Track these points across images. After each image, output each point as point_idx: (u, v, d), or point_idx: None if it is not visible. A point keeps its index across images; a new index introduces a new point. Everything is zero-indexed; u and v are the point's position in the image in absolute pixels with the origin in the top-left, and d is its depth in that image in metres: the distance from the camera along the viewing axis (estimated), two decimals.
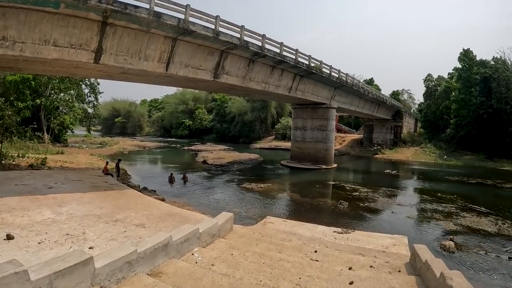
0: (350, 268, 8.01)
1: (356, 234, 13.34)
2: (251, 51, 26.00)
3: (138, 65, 20.52)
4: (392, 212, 21.81)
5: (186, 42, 22.28)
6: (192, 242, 8.52)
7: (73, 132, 62.22)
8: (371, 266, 8.42)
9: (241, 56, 26.59)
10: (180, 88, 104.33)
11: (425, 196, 26.99)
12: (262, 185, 28.32)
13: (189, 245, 8.41)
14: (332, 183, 32.58)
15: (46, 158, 28.88)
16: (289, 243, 10.26)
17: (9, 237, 9.49)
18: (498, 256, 14.55)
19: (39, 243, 9.36)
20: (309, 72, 34.47)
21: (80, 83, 52.08)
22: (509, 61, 58.78)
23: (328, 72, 37.70)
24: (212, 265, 7.66)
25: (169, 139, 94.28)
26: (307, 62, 33.50)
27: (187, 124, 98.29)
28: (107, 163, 26.11)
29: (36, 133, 40.17)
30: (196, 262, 7.79)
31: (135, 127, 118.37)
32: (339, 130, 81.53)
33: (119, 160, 27.66)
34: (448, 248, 15.31)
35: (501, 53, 75.56)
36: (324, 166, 42.22)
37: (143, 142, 76.74)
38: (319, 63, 35.79)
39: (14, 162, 26.37)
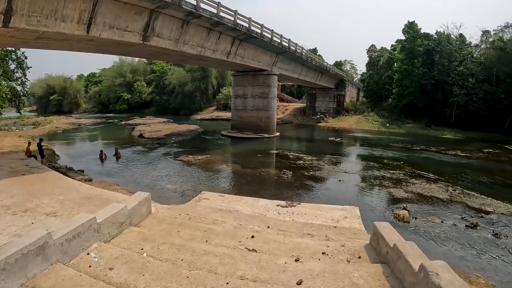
0: (297, 260, 6.29)
1: (302, 207, 11.99)
2: (184, 11, 23.72)
3: (54, 27, 18.07)
4: (340, 181, 20.97)
5: (110, 0, 19.95)
6: (87, 237, 6.62)
7: (1, 113, 57.90)
8: (324, 253, 6.86)
9: (174, 16, 24.29)
10: (117, 60, 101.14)
11: (372, 163, 26.45)
12: (200, 157, 27.02)
13: (83, 241, 6.51)
14: (275, 152, 31.59)
15: None
16: (220, 228, 8.54)
17: None
18: (455, 225, 14.13)
19: None
20: (249, 36, 32.72)
21: (6, 58, 47.43)
22: (452, 36, 62.40)
23: (269, 36, 36.12)
24: (110, 268, 5.89)
25: (107, 114, 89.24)
26: (247, 25, 31.72)
27: (126, 98, 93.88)
28: (29, 144, 23.67)
29: None
30: (90, 266, 6.02)
31: (71, 104, 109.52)
32: (281, 100, 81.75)
33: (41, 139, 24.87)
34: (403, 217, 14.56)
35: (445, 28, 79.60)
36: (266, 135, 41.57)
37: (79, 119, 72.18)
38: (260, 27, 34.02)
39: None
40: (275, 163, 26.69)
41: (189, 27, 26.09)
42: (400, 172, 23.28)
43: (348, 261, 6.51)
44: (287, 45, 40.53)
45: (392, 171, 23.39)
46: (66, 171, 20.99)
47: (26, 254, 5.28)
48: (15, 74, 50.87)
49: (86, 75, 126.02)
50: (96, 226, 6.88)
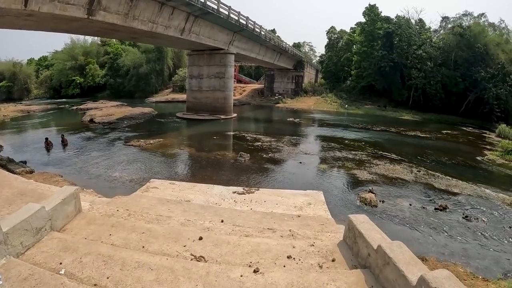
0: (256, 271, 4.94)
1: (262, 194, 10.88)
2: None
3: None
4: (300, 163, 20.11)
5: None
6: None
7: None
8: (289, 257, 5.57)
9: None
10: (69, 42, 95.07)
11: (333, 144, 25.87)
12: (152, 141, 25.66)
13: None
14: (232, 133, 30.67)
15: None
16: (162, 227, 7.00)
17: None
18: (424, 208, 13.65)
19: None
20: (205, 12, 31.18)
21: None
22: (412, 20, 64.24)
23: (226, 13, 34.64)
24: None
25: (59, 100, 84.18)
26: (202, 0, 30.14)
27: (78, 81, 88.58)
28: None
29: None
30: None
31: (22, 90, 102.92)
32: (239, 81, 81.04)
33: None
34: (370, 201, 13.79)
35: (405, 12, 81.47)
36: (223, 116, 40.66)
37: (29, 106, 68.69)
38: (216, 2, 32.48)
39: None
40: (231, 146, 25.69)
41: (140, 1, 24.47)
42: (362, 153, 22.74)
43: (321, 267, 5.29)
44: (245, 23, 39.23)
45: (354, 152, 22.81)
46: (6, 163, 19.34)
47: None
48: None
49: (37, 59, 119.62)
50: (2, 237, 5.33)
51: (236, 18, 36.95)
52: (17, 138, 32.19)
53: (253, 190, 11.26)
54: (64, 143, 26.02)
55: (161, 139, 26.69)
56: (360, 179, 17.06)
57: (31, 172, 17.72)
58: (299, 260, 5.46)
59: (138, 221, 7.50)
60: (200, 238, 6.21)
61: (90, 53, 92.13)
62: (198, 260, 5.47)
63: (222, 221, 7.64)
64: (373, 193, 14.41)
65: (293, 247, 5.85)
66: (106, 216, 7.99)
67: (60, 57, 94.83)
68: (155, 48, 75.20)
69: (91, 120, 39.24)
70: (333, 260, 5.42)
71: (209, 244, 6.00)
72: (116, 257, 5.43)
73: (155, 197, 10.07)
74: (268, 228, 7.03)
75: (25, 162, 20.43)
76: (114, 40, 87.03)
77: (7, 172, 14.65)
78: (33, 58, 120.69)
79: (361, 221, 5.81)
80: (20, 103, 75.98)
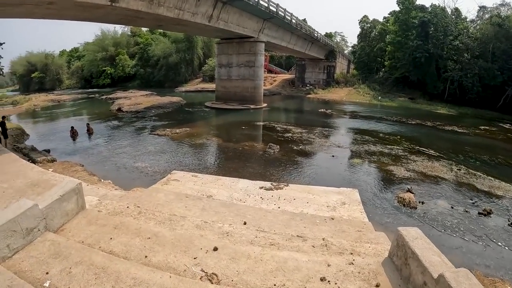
0: None
1: (291, 190, 9.93)
2: None
3: None
4: (333, 156, 18.97)
5: None
6: None
7: None
8: (323, 280, 4.46)
9: None
10: (99, 33, 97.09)
11: (367, 137, 24.49)
12: (178, 131, 25.08)
13: None
14: (261, 124, 29.69)
15: None
16: (171, 233, 5.96)
17: None
18: (466, 211, 12.41)
19: None
20: None
21: None
22: (448, 9, 60.75)
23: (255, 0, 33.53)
24: None
25: (90, 90, 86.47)
26: None
27: (109, 72, 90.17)
28: None
29: None
30: None
31: (54, 81, 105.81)
32: (270, 71, 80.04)
33: (3, 117, 22.94)
34: (408, 202, 12.60)
35: (441, 1, 79.06)
36: (252, 106, 39.60)
37: (60, 96, 70.42)
38: None
39: None
40: (261, 136, 24.77)
41: None
42: (398, 147, 21.40)
43: None
44: (275, 10, 37.86)
45: (389, 146, 21.48)
46: (29, 152, 19.37)
47: None
48: None
49: (68, 51, 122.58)
50: None
51: (266, 4, 35.63)
52: (45, 127, 32.41)
53: (282, 185, 10.36)
54: (89, 132, 26.09)
55: (188, 129, 26.13)
56: (396, 176, 15.88)
57: (53, 161, 17.66)
58: (335, 284, 4.36)
59: (147, 222, 6.64)
60: (215, 249, 5.17)
61: (120, 44, 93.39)
62: (209, 279, 4.45)
63: (244, 223, 6.69)
64: (412, 193, 13.27)
65: (328, 265, 4.77)
66: (112, 214, 7.18)
67: (91, 48, 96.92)
68: (184, 38, 74.90)
69: (119, 109, 39.44)
70: (377, 286, 4.35)
71: (225, 257, 4.96)
72: (111, 270, 4.56)
73: (174, 192, 9.28)
74: (297, 236, 5.97)
75: (48, 151, 20.38)
76: (144, 30, 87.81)
77: (25, 162, 14.54)
78: (65, 50, 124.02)
79: (414, 236, 4.60)
80: (52, 93, 77.94)
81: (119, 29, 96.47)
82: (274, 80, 73.82)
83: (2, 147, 17.95)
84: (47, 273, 4.59)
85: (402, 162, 18.10)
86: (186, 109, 41.05)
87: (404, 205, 12.39)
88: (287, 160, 17.77)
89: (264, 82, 47.06)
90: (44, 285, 4.37)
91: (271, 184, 10.49)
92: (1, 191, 9.95)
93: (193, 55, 79.75)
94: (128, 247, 5.39)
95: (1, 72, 56.75)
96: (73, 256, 4.95)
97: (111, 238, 5.69)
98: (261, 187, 10.07)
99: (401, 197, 12.84)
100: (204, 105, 42.76)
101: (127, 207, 7.55)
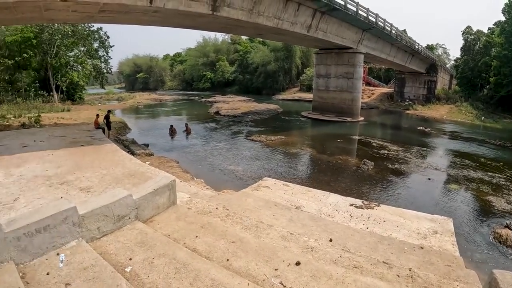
0: None
1: (382, 210, 9.43)
2: None
3: None
4: (429, 179, 17.68)
5: None
6: (60, 232, 5.00)
7: (85, 89, 60.88)
8: None
9: None
10: (201, 40, 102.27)
11: (467, 161, 22.41)
12: (273, 138, 25.13)
13: (54, 237, 4.92)
14: (357, 138, 28.70)
15: (39, 116, 27.58)
16: (255, 240, 6.01)
17: None
18: None
19: None
20: (332, 8, 29.71)
21: (88, 37, 50.50)
22: None
23: (354, 9, 32.78)
24: (66, 285, 4.20)
25: (190, 92, 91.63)
26: None
27: (209, 76, 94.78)
28: (97, 116, 23.42)
29: (42, 92, 41.53)
30: (47, 274, 4.43)
31: (157, 82, 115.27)
32: (368, 83, 77.68)
33: (109, 111, 24.84)
34: (505, 239, 11.25)
35: None
36: (349, 119, 38.39)
37: (162, 96, 75.28)
38: None
39: (6, 123, 25.68)
40: (355, 151, 24.00)
41: None
42: (500, 175, 19.05)
43: None
44: (374, 20, 36.83)
45: (490, 174, 19.31)
46: (129, 144, 21.24)
47: None
48: (98, 52, 53.59)
49: (172, 55, 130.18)
50: (77, 219, 5.19)
51: (365, 15, 34.85)
52: (146, 123, 34.89)
53: (373, 205, 9.90)
54: (187, 132, 27.36)
55: (283, 137, 26.15)
56: (495, 208, 14.32)
57: (150, 155, 19.15)
58: None
59: (233, 226, 6.75)
60: (298, 263, 5.07)
61: (220, 51, 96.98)
62: None
63: (330, 240, 6.49)
64: (511, 230, 11.82)
65: None
66: (200, 213, 7.45)
67: (192, 53, 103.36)
68: (283, 47, 75.19)
69: (217, 112, 40.77)
70: None
71: (307, 273, 4.83)
72: (191, 267, 4.71)
73: (263, 198, 9.30)
74: (383, 262, 5.72)
75: (147, 145, 21.94)
76: (244, 38, 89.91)
77: (125, 153, 15.74)
78: (168, 54, 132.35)
79: (510, 283, 4.08)
80: (154, 93, 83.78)
81: (220, 36, 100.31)
82: (372, 93, 71.69)
83: (105, 137, 19.49)
84: (130, 259, 4.91)
85: (503, 192, 16.26)
86: (282, 117, 41.16)
87: (500, 242, 11.16)
88: (380, 178, 17.11)
89: (361, 95, 45.84)
90: (126, 269, 4.66)
91: (362, 202, 10.06)
92: (100, 176, 10.94)
93: (291, 64, 79.94)
94: (211, 247, 5.53)
95: (110, 71, 61.68)
96: (157, 248, 5.22)
97: (196, 236, 5.90)
98: (351, 204, 9.71)
99: (497, 233, 11.60)
100: (301, 114, 42.47)
101: (216, 208, 7.77)
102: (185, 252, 5.18)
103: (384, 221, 8.50)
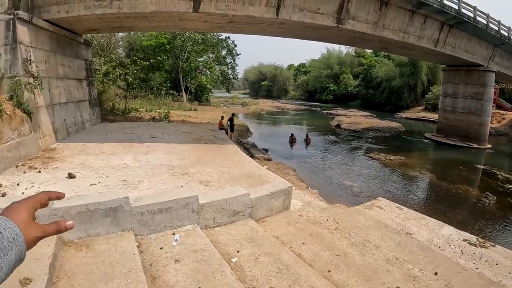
0: None
1: (496, 252, 8.63)
2: None
3: (243, 11, 18.68)
4: None
5: None
6: (180, 216, 5.92)
7: (212, 92, 66.60)
8: None
9: None
10: (325, 52, 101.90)
11: None
12: (392, 157, 24.34)
13: (173, 219, 5.87)
14: (482, 167, 26.25)
15: (168, 112, 30.93)
16: (360, 257, 6.02)
17: (70, 176, 10.25)
18: None
19: (91, 184, 9.71)
20: (460, 21, 28.00)
21: (217, 45, 54.76)
22: None
23: (484, 22, 30.48)
24: (176, 261, 4.89)
25: (312, 103, 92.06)
26: (456, 7, 27.11)
27: (332, 88, 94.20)
28: (222, 118, 25.19)
29: (172, 92, 45.70)
30: (161, 248, 5.26)
31: (280, 90, 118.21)
32: (499, 107, 70.74)
33: (233, 114, 26.53)
34: None
35: None
36: (475, 145, 35.18)
37: (284, 104, 77.11)
38: (472, 10, 28.84)
39: (139, 115, 28.97)
40: (478, 182, 22.18)
41: (389, 9, 23.61)
42: None
43: None
44: (506, 34, 33.68)
45: None
46: (250, 147, 22.40)
47: (92, 211, 5.22)
48: (226, 59, 56.77)
49: (296, 65, 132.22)
50: (196, 207, 6.03)
51: (496, 28, 32.20)
52: (266, 129, 36.33)
53: (488, 244, 9.16)
54: (307, 142, 27.91)
55: (403, 157, 25.20)
56: None
57: (269, 160, 19.99)
58: None
59: (341, 240, 6.85)
60: None
61: (344, 63, 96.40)
62: None
63: (435, 273, 6.28)
64: None
65: None
66: (311, 222, 7.67)
67: (316, 65, 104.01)
68: (409, 61, 72.24)
69: (338, 126, 41.08)
70: None
71: None
72: (293, 271, 4.98)
73: (374, 218, 9.20)
74: None
75: (266, 150, 22.91)
76: (368, 51, 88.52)
77: (245, 155, 16.53)
78: (292, 64, 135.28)
79: None
80: (277, 101, 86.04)
81: (344, 49, 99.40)
82: (503, 118, 65.02)
83: (228, 138, 20.67)
84: (237, 251, 5.41)
85: None
86: (404, 136, 39.70)
87: None
88: (502, 216, 15.56)
89: (491, 119, 41.62)
90: (232, 260, 5.14)
91: (477, 239, 9.36)
92: (219, 173, 11.68)
93: (416, 81, 76.03)
94: (316, 256, 5.74)
95: (236, 77, 64.85)
96: (264, 246, 5.62)
97: (303, 243, 6.15)
98: (465, 240, 9.08)
99: None
100: (423, 135, 40.30)
101: (327, 220, 7.93)
102: (290, 255, 5.49)
103: (497, 264, 7.94)
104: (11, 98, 13.31)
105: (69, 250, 4.98)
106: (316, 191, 14.65)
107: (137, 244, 5.21)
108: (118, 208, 5.38)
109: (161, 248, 5.20)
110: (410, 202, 15.64)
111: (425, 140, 37.93)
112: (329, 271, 5.31)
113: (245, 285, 4.47)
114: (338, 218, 8.27)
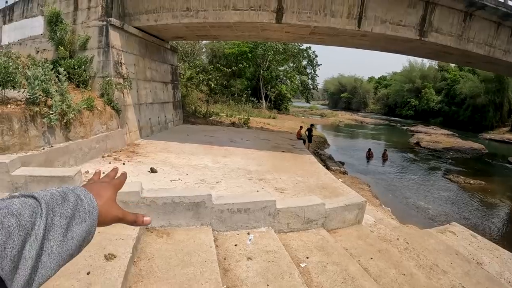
0: None
1: None
2: (463, 0, 20.29)
3: (324, 22, 18.88)
4: None
5: None
6: (256, 217, 6.45)
7: (291, 101, 67.31)
8: None
9: (452, 8, 21.04)
10: (407, 64, 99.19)
11: None
12: (472, 181, 22.99)
13: (250, 220, 6.43)
14: None
15: (248, 118, 31.56)
16: (425, 280, 5.94)
17: (152, 171, 10.85)
18: None
19: (171, 180, 10.09)
20: None
21: (298, 55, 55.75)
22: None
23: None
24: (249, 258, 5.36)
25: (392, 118, 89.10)
26: None
27: (413, 104, 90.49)
28: (300, 127, 25.19)
29: (252, 99, 47.19)
30: (235, 245, 5.80)
31: (359, 103, 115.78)
32: None
33: (312, 125, 26.34)
34: None
35: None
36: None
37: (363, 118, 75.61)
38: None
39: (219, 120, 29.86)
40: None
41: (473, 21, 22.21)
42: None
43: None
44: None
45: None
46: (326, 159, 22.52)
47: (177, 204, 5.91)
48: (306, 69, 57.14)
49: (376, 78, 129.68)
50: (273, 211, 6.54)
51: None
52: (344, 142, 36.15)
53: None
54: (384, 158, 27.41)
55: (483, 182, 23.56)
56: None
57: (344, 173, 19.98)
58: None
59: (408, 260, 6.85)
60: None
61: (427, 77, 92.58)
62: None
63: None
64: None
65: None
66: (381, 239, 7.73)
67: (398, 78, 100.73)
68: (494, 77, 67.70)
69: (417, 143, 39.75)
70: None
71: None
72: (357, 283, 5.18)
73: (446, 243, 8.95)
74: None
75: (343, 163, 22.72)
76: (452, 65, 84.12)
77: (321, 166, 16.23)
78: (373, 77, 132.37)
79: None
80: (356, 114, 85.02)
81: (427, 61, 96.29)
82: None
83: (305, 148, 20.47)
84: (307, 257, 5.70)
85: None
86: (486, 159, 37.05)
87: None
88: None
89: None
90: (301, 264, 5.44)
91: None
92: (294, 182, 11.70)
93: (503, 99, 71.23)
94: (382, 272, 5.85)
95: (316, 88, 65.07)
96: (333, 256, 5.84)
97: (371, 258, 6.27)
98: None
99: None
100: (507, 159, 37.45)
101: (397, 238, 7.94)
102: (356, 268, 5.65)
103: None
104: (102, 95, 14.55)
105: (151, 235, 5.65)
106: (389, 209, 14.51)
107: (213, 238, 5.69)
108: (201, 203, 6.01)
109: (235, 245, 5.65)
110: (486, 230, 14.94)
111: (508, 165, 35.34)
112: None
113: None
114: (409, 239, 8.24)
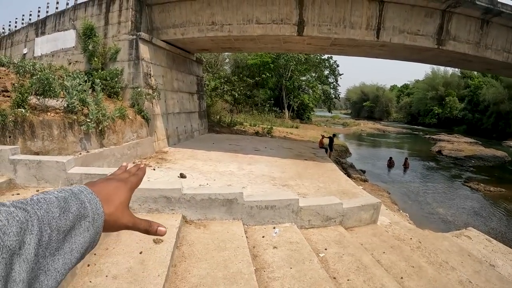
0: None
1: None
2: (480, 8, 20.46)
3: (344, 34, 19.46)
4: None
5: (396, 4, 19.76)
6: (281, 214, 7.24)
7: (313, 111, 67.49)
8: None
9: (469, 15, 21.39)
10: (430, 72, 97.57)
11: None
12: (492, 188, 23.00)
13: (275, 216, 7.24)
14: None
15: (271, 128, 32.41)
16: (432, 272, 6.40)
17: (182, 176, 11.52)
18: None
19: (200, 185, 10.42)
20: None
21: (320, 65, 56.18)
22: None
23: None
24: (274, 247, 6.16)
25: (414, 126, 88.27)
26: None
27: (436, 112, 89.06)
28: (322, 137, 25.28)
29: (275, 109, 48.79)
30: (263, 237, 6.68)
31: (382, 112, 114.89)
32: None
33: (334, 135, 26.78)
34: None
35: None
36: None
37: (386, 126, 74.92)
38: None
39: (243, 129, 30.53)
40: None
41: (490, 28, 22.42)
42: None
43: None
44: None
45: None
46: (347, 167, 22.84)
47: (213, 200, 6.77)
48: (328, 79, 57.55)
49: (399, 86, 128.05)
50: (296, 208, 7.25)
51: None
52: (365, 151, 36.53)
53: None
54: (405, 166, 27.43)
55: (503, 189, 23.41)
56: None
57: (365, 181, 20.14)
58: None
59: (419, 257, 7.30)
60: None
61: (450, 85, 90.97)
62: None
63: None
64: None
65: None
66: (395, 238, 8.20)
67: (420, 86, 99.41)
68: None
69: (439, 152, 39.58)
70: None
71: None
72: (369, 271, 5.84)
73: (459, 245, 9.10)
74: None
75: (364, 172, 23.11)
76: (475, 72, 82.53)
77: (343, 174, 16.77)
78: (395, 85, 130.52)
79: None
80: (379, 123, 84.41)
81: (449, 69, 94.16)
82: None
83: (327, 157, 20.97)
84: (325, 249, 6.45)
85: None
86: (509, 167, 36.59)
87: None
88: None
89: None
90: (320, 254, 6.19)
91: None
92: (316, 188, 12.26)
93: None
94: (393, 264, 6.47)
95: (338, 97, 65.47)
96: (349, 249, 6.55)
97: (384, 252, 6.90)
98: None
99: None
100: None
101: (410, 238, 8.40)
102: (369, 259, 6.32)
103: None
104: (132, 105, 15.52)
105: (190, 227, 6.51)
106: (407, 214, 14.78)
107: (244, 230, 6.53)
108: (234, 200, 6.83)
109: (263, 237, 6.46)
110: (503, 236, 14.99)
111: None
112: (401, 278, 5.99)
113: (327, 274, 5.38)
114: (422, 239, 8.59)
